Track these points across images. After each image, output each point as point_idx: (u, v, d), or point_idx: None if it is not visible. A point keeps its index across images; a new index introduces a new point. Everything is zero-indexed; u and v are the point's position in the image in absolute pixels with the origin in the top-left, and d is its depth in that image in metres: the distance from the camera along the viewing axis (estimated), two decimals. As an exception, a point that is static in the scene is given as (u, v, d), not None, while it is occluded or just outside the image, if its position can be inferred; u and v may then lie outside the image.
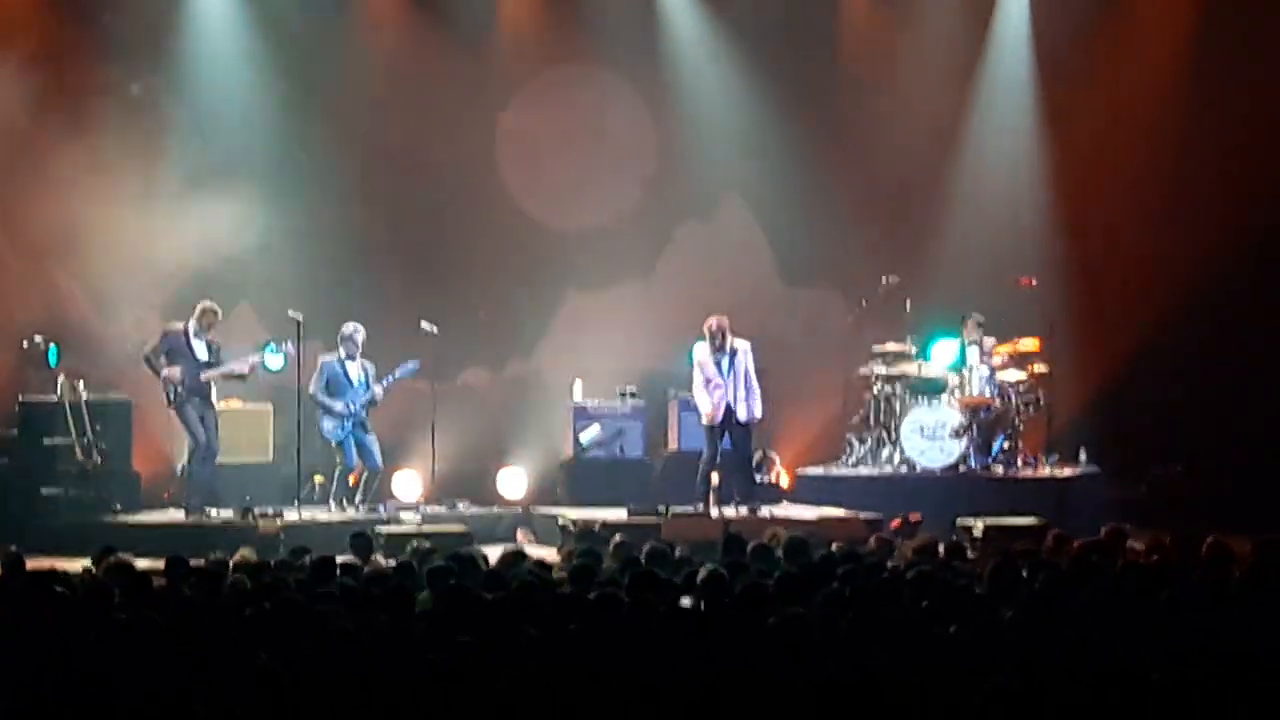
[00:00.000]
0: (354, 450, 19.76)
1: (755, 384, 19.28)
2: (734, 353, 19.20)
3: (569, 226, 22.46)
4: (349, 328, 19.79)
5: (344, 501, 19.73)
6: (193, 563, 12.64)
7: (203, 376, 19.08)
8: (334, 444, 19.81)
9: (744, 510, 19.15)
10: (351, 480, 19.86)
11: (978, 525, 17.85)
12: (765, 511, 19.28)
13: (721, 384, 19.20)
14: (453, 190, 22.17)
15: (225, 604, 10.45)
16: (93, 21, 21.04)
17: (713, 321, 19.24)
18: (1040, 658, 9.18)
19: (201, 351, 19.14)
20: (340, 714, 8.59)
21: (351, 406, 19.69)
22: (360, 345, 19.79)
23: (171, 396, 19.06)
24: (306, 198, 21.15)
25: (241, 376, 19.50)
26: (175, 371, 19.00)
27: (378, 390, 19.79)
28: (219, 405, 19.56)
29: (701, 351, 19.40)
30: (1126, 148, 22.30)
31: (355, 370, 19.80)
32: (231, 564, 12.48)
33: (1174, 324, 21.98)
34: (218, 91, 21.64)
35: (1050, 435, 21.55)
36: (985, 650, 9.37)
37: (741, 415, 19.21)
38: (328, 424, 19.77)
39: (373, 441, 19.84)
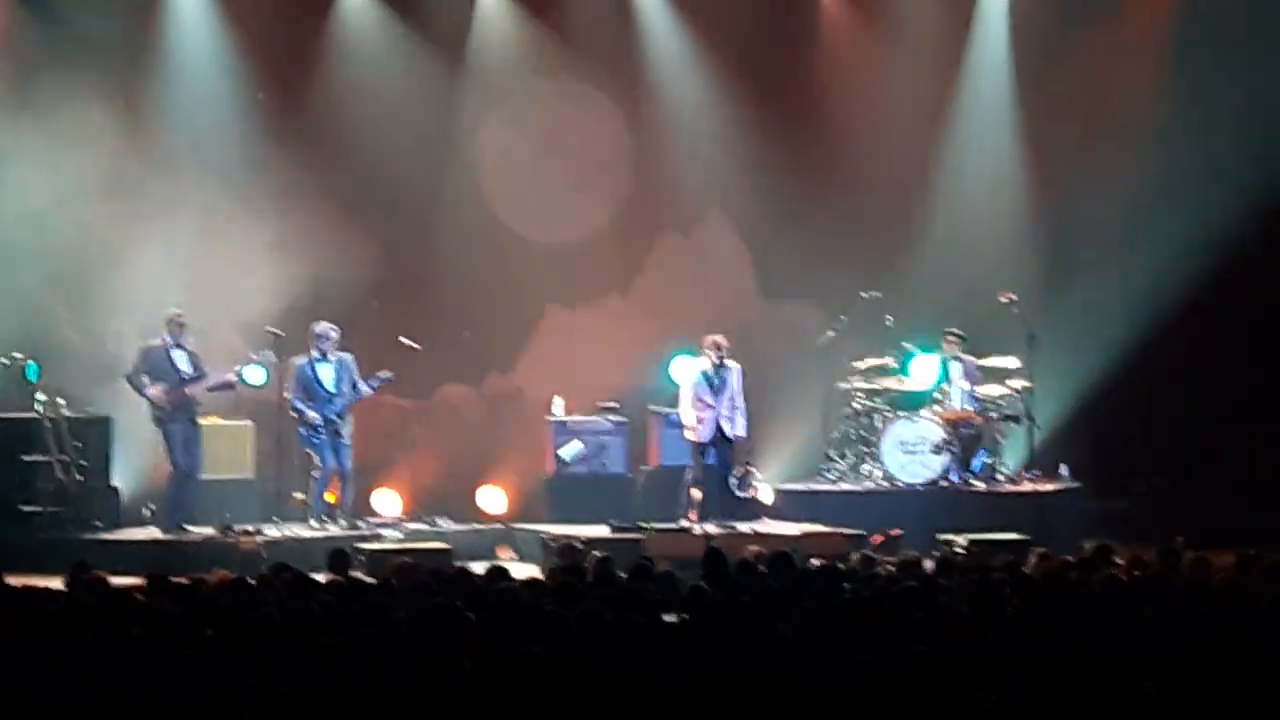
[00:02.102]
0: (329, 453, 19.72)
1: (743, 403, 19.56)
2: (728, 372, 19.36)
3: (549, 241, 22.42)
4: (321, 326, 19.69)
5: (324, 518, 19.68)
6: (179, 581, 12.55)
7: (187, 391, 19.06)
8: (308, 450, 19.78)
9: (722, 525, 19.21)
10: (332, 498, 19.81)
11: (959, 541, 17.88)
12: (747, 527, 19.32)
13: (713, 404, 19.37)
14: (431, 205, 22.14)
15: (205, 622, 10.40)
16: (73, 34, 20.97)
17: (718, 338, 19.46)
18: (1023, 673, 9.18)
19: (183, 363, 19.13)
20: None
21: (325, 415, 19.64)
22: (334, 343, 19.69)
23: (158, 414, 19.04)
24: (284, 213, 21.07)
25: (230, 386, 19.48)
26: (160, 390, 18.98)
27: (364, 389, 19.72)
28: (200, 421, 19.55)
29: (690, 369, 19.53)
30: (1106, 162, 22.32)
31: (328, 372, 19.66)
32: (209, 583, 12.41)
33: (1155, 338, 22.01)
34: (196, 106, 21.60)
35: (1031, 450, 21.53)
36: (968, 665, 9.36)
37: (728, 432, 19.41)
38: (302, 431, 19.73)
39: (344, 447, 19.78)
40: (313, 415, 19.57)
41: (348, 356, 19.80)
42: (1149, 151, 22.16)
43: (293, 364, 19.69)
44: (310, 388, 19.63)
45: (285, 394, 19.65)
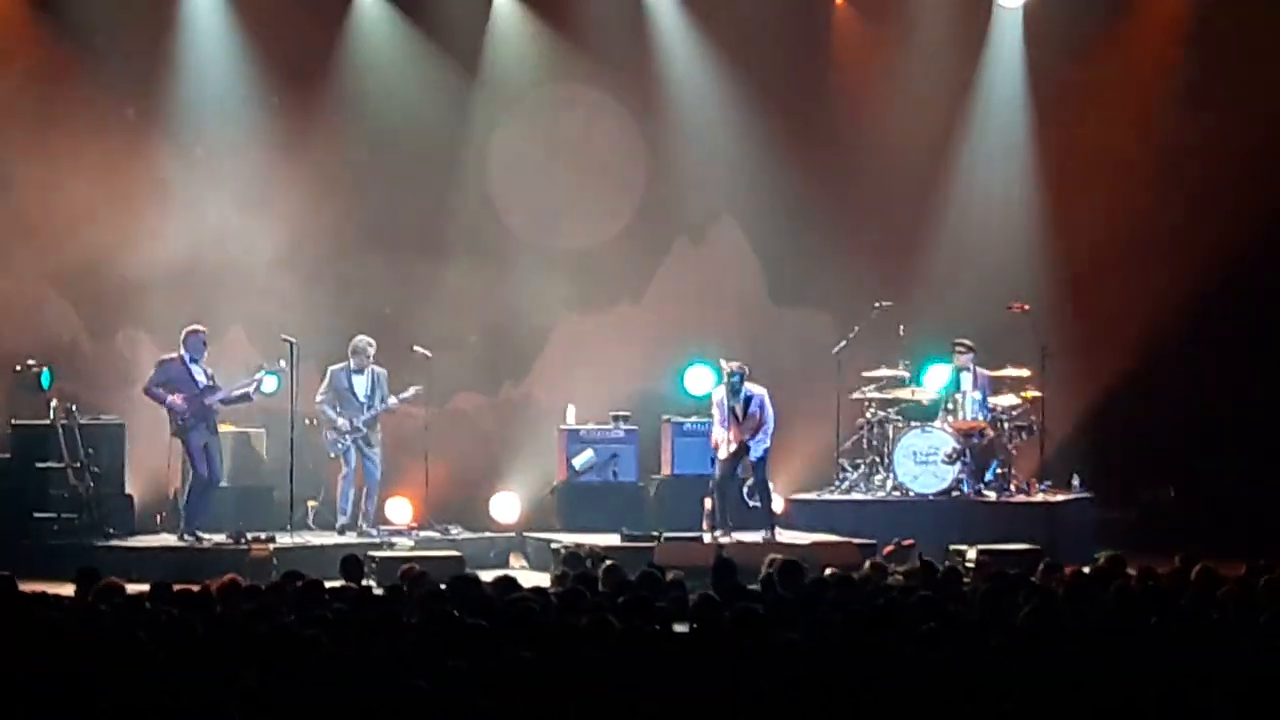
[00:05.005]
0: (355, 461, 19.86)
1: (770, 428, 19.57)
2: (749, 399, 19.34)
3: (561, 248, 22.45)
4: (361, 340, 19.99)
5: (359, 522, 19.79)
6: (189, 588, 12.58)
7: (206, 401, 19.12)
8: (334, 455, 19.96)
9: (764, 536, 19.37)
10: (352, 495, 19.96)
11: (971, 551, 17.87)
12: (759, 536, 19.35)
13: (736, 429, 19.33)
14: (444, 212, 22.14)
15: (216, 628, 10.42)
16: (86, 44, 21.03)
17: (733, 365, 19.56)
18: (1032, 682, 9.18)
19: (201, 376, 19.21)
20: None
21: (352, 423, 19.81)
22: (371, 358, 19.93)
23: (179, 424, 19.09)
24: (298, 220, 21.11)
25: (246, 398, 19.56)
26: (180, 399, 19.04)
27: (392, 401, 19.90)
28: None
29: (717, 394, 19.57)
30: (1118, 173, 22.31)
31: (362, 383, 19.94)
32: (215, 588, 12.43)
33: (1166, 349, 22.01)
34: (210, 113, 21.62)
35: (1043, 460, 21.53)
36: (978, 675, 9.37)
37: (751, 455, 19.53)
38: (330, 435, 19.89)
39: (375, 455, 19.96)
40: (341, 421, 19.77)
41: (381, 371, 20.04)
42: (1162, 162, 22.14)
43: (329, 370, 19.99)
44: (344, 395, 19.89)
45: (317, 399, 19.86)
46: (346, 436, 19.89)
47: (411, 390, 20.02)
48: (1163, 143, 22.17)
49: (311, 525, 20.22)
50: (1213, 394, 22.22)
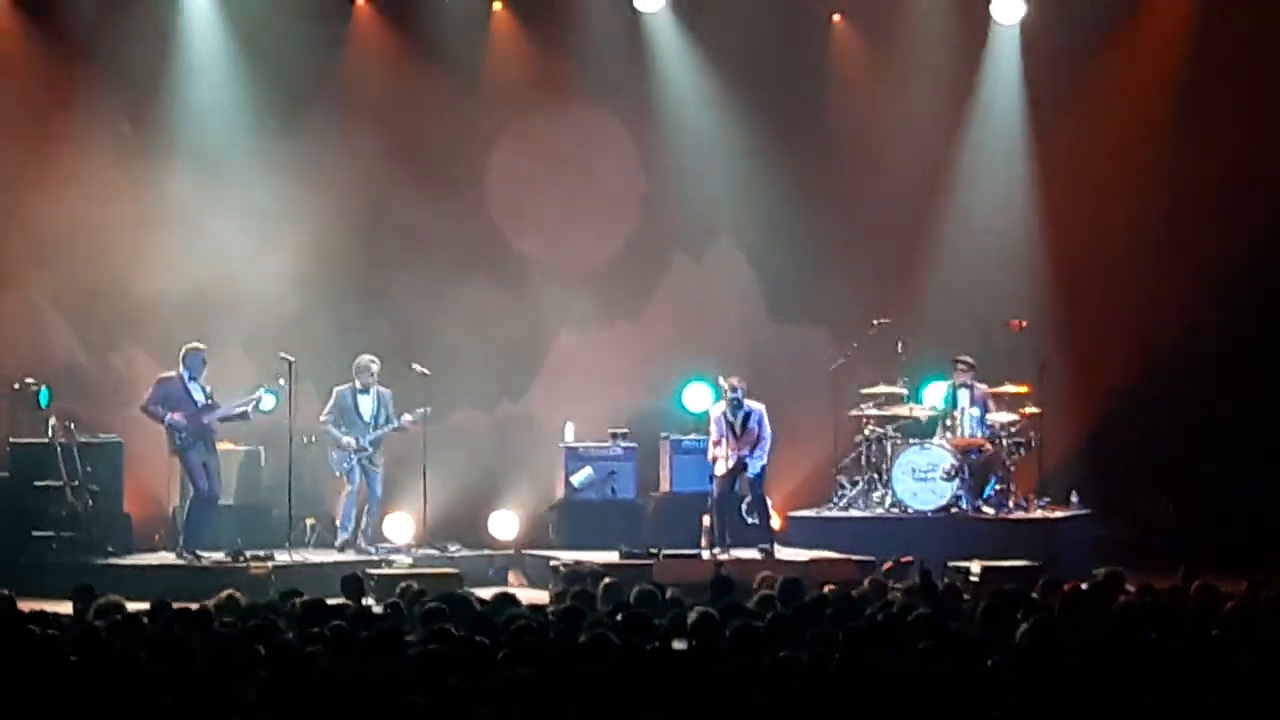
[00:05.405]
0: (358, 480, 19.88)
1: (767, 444, 19.69)
2: (747, 415, 19.41)
3: (560, 265, 22.44)
4: (364, 359, 20.02)
5: (358, 539, 19.78)
6: (190, 605, 12.57)
7: (204, 420, 19.11)
8: (339, 474, 19.98)
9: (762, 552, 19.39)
10: (355, 513, 19.97)
11: (972, 567, 17.85)
12: (757, 553, 19.36)
13: (735, 446, 19.38)
14: (442, 230, 22.11)
15: (215, 646, 10.41)
16: (83, 60, 21.02)
17: (733, 381, 19.56)
18: (1031, 699, 9.18)
19: (199, 394, 19.19)
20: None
21: (358, 442, 19.83)
22: (375, 376, 19.95)
23: (177, 442, 19.08)
24: (297, 237, 21.10)
25: (244, 416, 19.55)
26: (179, 416, 19.02)
27: (406, 419, 19.95)
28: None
29: (716, 406, 19.61)
30: (1117, 188, 22.31)
31: (367, 403, 19.96)
32: (213, 605, 12.43)
33: (1163, 364, 22.00)
34: (208, 130, 21.61)
35: (1041, 477, 21.52)
36: (977, 691, 9.36)
37: (748, 471, 19.62)
38: (335, 454, 19.91)
39: (377, 475, 19.98)
40: (347, 440, 19.78)
41: (386, 391, 20.07)
42: (1161, 177, 22.15)
43: (334, 390, 20.02)
44: (349, 415, 19.93)
45: (321, 419, 19.87)
46: (352, 456, 19.92)
47: (421, 411, 20.02)
48: (1162, 158, 22.17)
49: (309, 543, 20.21)
50: (1211, 408, 22.22)
